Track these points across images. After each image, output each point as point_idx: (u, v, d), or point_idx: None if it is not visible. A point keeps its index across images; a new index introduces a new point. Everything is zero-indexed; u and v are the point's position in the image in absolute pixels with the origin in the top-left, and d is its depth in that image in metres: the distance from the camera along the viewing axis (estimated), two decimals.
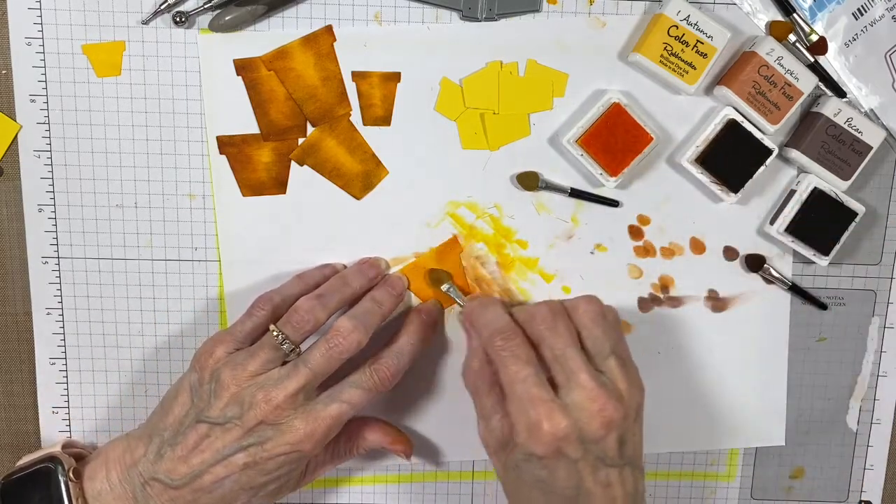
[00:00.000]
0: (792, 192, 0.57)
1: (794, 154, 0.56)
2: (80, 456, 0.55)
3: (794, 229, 0.57)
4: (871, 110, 0.57)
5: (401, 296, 0.56)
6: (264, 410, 0.50)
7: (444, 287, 0.57)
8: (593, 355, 0.51)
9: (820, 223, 0.56)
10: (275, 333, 0.51)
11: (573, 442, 0.48)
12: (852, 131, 0.55)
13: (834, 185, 0.56)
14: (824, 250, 0.57)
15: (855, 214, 0.57)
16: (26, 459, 0.54)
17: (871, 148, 0.56)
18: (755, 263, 0.58)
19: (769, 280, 0.58)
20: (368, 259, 0.57)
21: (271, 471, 0.51)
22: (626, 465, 0.50)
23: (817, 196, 0.56)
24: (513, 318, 0.52)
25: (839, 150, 0.55)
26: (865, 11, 0.55)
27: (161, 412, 0.53)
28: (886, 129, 0.56)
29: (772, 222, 0.57)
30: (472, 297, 0.57)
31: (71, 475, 0.52)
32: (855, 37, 0.56)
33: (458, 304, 0.56)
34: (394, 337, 0.55)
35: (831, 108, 0.55)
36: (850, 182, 0.56)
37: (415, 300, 0.58)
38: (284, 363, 0.52)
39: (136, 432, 0.54)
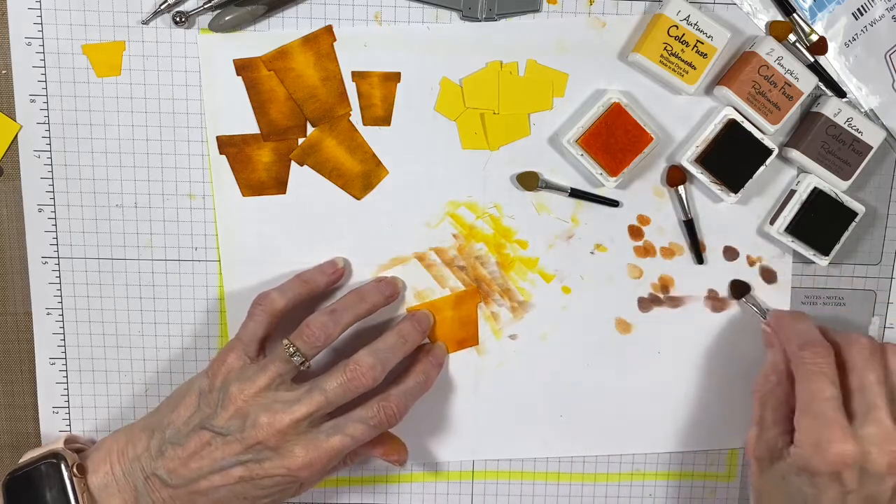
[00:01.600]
0: (792, 193, 0.57)
1: (795, 154, 0.56)
2: (81, 451, 0.56)
3: (793, 229, 0.57)
4: (871, 110, 0.56)
5: (425, 333, 0.57)
6: (266, 433, 0.50)
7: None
8: (893, 399, 0.51)
9: (820, 223, 0.56)
10: (286, 346, 0.52)
11: (854, 472, 0.49)
12: (852, 131, 0.55)
13: (834, 185, 0.56)
14: (824, 250, 0.57)
15: (855, 214, 0.57)
16: (28, 456, 0.54)
17: (872, 148, 0.56)
18: (738, 291, 0.58)
19: (754, 305, 0.59)
20: (385, 278, 0.57)
21: (266, 487, 0.51)
22: None
23: (817, 196, 0.56)
24: (824, 336, 0.54)
25: (839, 150, 0.55)
26: (865, 11, 0.55)
27: (167, 407, 0.53)
28: (886, 129, 0.56)
29: (772, 222, 0.57)
30: (777, 310, 0.58)
31: (75, 471, 0.52)
32: (855, 37, 0.56)
33: (760, 316, 0.58)
34: (402, 376, 0.55)
35: (831, 108, 0.55)
36: (850, 182, 0.56)
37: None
38: (294, 377, 0.52)
39: (139, 424, 0.54)
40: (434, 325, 0.58)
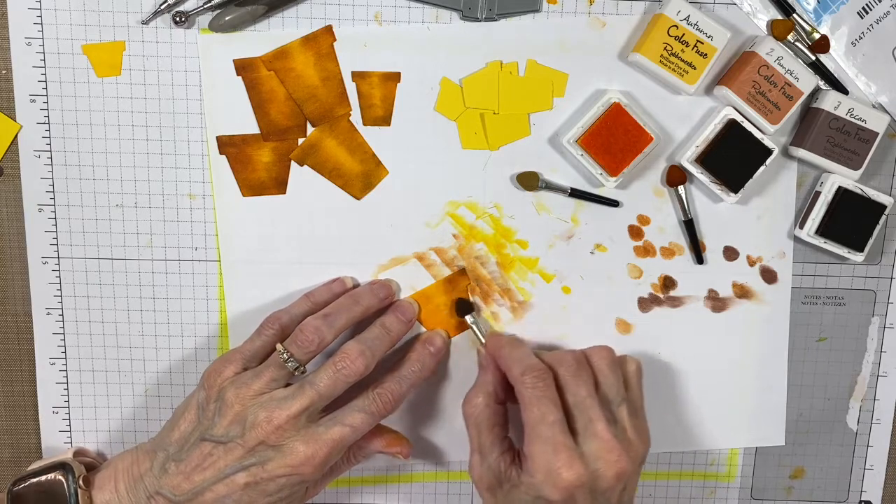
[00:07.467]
0: (817, 194, 0.57)
1: (802, 153, 0.56)
2: (90, 465, 0.56)
3: (824, 230, 0.56)
4: (880, 104, 0.56)
5: (410, 322, 0.56)
6: (266, 430, 0.50)
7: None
8: (608, 401, 0.53)
9: (850, 221, 0.56)
10: (281, 352, 0.51)
11: (585, 491, 0.50)
12: (855, 121, 0.55)
13: (846, 177, 0.56)
14: (858, 247, 0.57)
15: (884, 207, 0.56)
16: (36, 465, 0.54)
17: (877, 134, 0.55)
18: (462, 309, 0.58)
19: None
20: (379, 280, 0.57)
21: (272, 492, 0.51)
22: None
23: (843, 195, 0.56)
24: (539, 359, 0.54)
25: (845, 141, 0.55)
26: (871, 9, 0.55)
27: (169, 427, 0.53)
28: (889, 113, 0.56)
29: (801, 226, 0.57)
30: (494, 334, 0.58)
31: (81, 483, 0.52)
32: (861, 35, 0.56)
33: (479, 338, 0.57)
34: (398, 363, 0.56)
35: (830, 101, 0.55)
36: (861, 171, 0.56)
37: (420, 329, 0.58)
38: (289, 383, 0.52)
39: (144, 446, 0.54)
40: (421, 311, 0.58)
